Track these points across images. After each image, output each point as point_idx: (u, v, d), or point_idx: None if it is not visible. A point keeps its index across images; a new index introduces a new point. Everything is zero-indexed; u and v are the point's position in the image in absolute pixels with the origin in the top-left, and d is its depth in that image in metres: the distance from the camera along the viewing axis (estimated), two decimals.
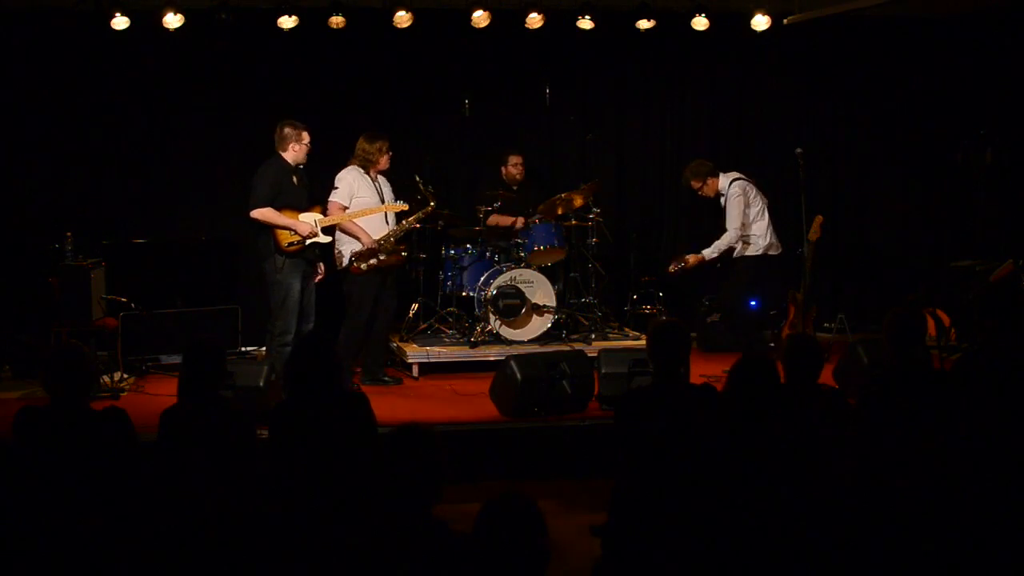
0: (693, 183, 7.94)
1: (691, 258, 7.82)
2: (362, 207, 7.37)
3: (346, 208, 7.33)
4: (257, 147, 8.81)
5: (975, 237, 9.40)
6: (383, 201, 7.51)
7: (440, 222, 8.43)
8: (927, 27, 9.84)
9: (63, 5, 8.09)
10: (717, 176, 7.90)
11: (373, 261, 7.29)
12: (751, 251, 7.80)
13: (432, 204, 7.61)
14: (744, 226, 7.75)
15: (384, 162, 7.52)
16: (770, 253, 7.84)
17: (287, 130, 7.18)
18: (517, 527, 2.76)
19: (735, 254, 7.84)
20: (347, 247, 7.41)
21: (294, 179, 7.20)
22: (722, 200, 7.88)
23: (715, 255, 7.79)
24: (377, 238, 7.36)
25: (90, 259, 7.70)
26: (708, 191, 7.93)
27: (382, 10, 8.16)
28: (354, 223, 7.33)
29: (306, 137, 7.21)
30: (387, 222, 7.54)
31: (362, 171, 7.46)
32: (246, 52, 8.90)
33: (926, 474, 3.36)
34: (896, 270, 10.03)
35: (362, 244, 7.32)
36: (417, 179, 7.72)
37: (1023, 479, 3.56)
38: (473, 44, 8.99)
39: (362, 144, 7.46)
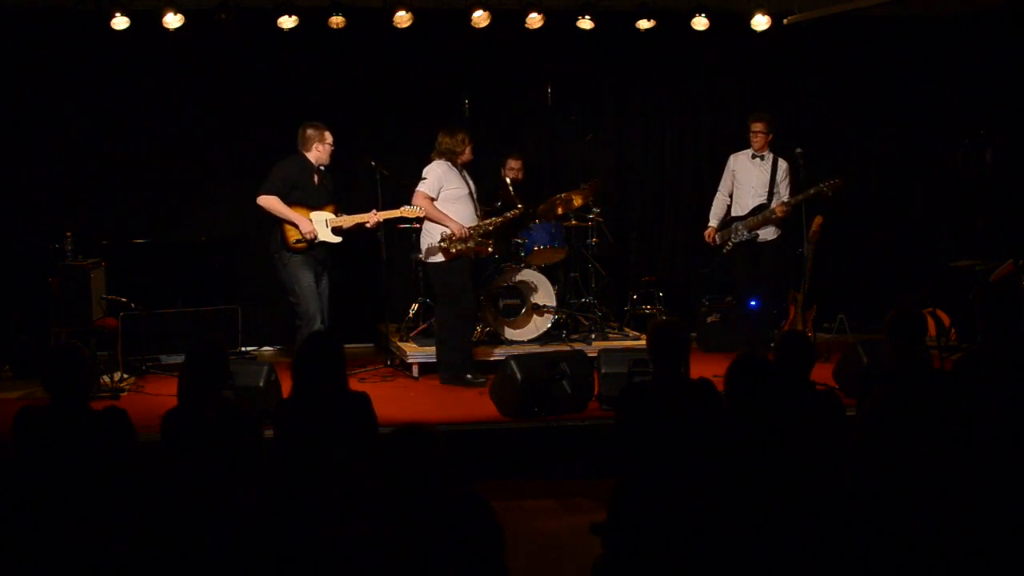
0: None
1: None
2: (452, 199, 7.44)
3: (433, 199, 7.41)
4: (257, 147, 8.87)
5: (975, 237, 9.40)
6: (472, 193, 7.59)
7: None
8: (927, 27, 9.84)
9: (63, 5, 8.09)
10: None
11: (462, 247, 7.40)
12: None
13: (519, 207, 7.80)
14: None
15: (468, 153, 7.58)
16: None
17: (310, 131, 7.39)
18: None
19: (763, 238, 8.15)
20: (432, 238, 7.45)
21: (315, 178, 7.37)
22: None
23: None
24: (468, 226, 7.46)
25: (90, 259, 7.71)
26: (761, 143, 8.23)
27: (382, 10, 8.16)
28: (442, 212, 7.38)
29: (329, 138, 7.42)
30: (477, 214, 7.64)
31: (450, 164, 7.52)
32: (246, 52, 8.91)
33: (926, 474, 3.36)
34: (896, 270, 10.03)
35: (451, 231, 7.37)
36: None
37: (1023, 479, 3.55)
38: (473, 44, 8.99)
39: (443, 138, 7.54)
